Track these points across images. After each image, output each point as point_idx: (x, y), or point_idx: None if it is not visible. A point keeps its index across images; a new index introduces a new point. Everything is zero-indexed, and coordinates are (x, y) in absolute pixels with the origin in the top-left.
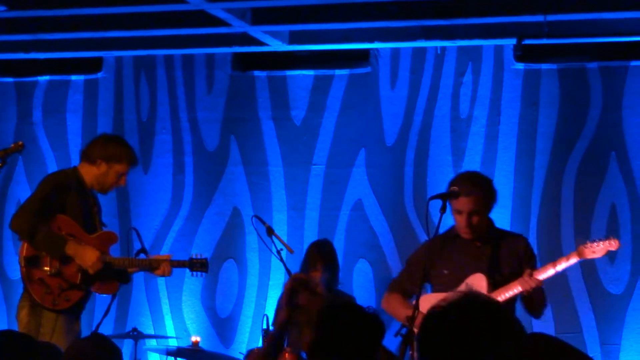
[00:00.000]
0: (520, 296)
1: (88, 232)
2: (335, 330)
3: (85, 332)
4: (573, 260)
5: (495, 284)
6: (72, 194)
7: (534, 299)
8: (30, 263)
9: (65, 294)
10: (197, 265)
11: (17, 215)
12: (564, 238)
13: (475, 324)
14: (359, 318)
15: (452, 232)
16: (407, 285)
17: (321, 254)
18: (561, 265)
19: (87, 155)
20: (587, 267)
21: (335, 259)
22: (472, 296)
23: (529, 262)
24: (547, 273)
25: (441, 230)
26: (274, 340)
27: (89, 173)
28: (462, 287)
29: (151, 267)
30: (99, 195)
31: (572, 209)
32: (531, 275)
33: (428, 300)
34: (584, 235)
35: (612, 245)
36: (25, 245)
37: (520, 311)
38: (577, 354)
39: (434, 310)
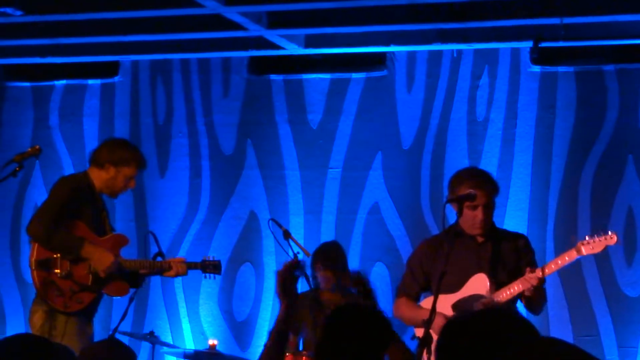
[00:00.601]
0: (521, 294)
1: (99, 235)
2: (342, 332)
3: (102, 335)
4: (572, 256)
5: (498, 283)
6: (85, 199)
7: (534, 298)
8: (41, 266)
9: (77, 296)
10: (210, 267)
11: (34, 220)
12: (580, 239)
13: (497, 336)
14: (364, 319)
15: (452, 231)
16: (412, 288)
17: (321, 254)
18: (560, 263)
19: (95, 160)
20: (604, 269)
21: (338, 259)
22: (494, 309)
23: (527, 258)
24: (547, 271)
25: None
26: (274, 337)
27: (98, 177)
28: (465, 289)
29: (162, 269)
30: (106, 199)
31: (589, 212)
32: (532, 273)
33: (427, 303)
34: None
35: (610, 240)
36: (36, 247)
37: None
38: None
39: (456, 320)
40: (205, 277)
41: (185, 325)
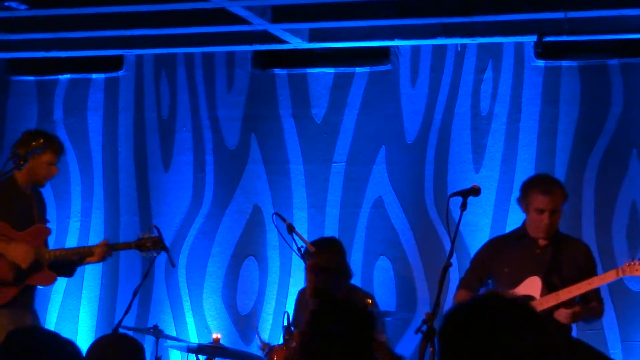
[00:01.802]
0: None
1: (21, 229)
2: (324, 331)
3: (107, 329)
4: (613, 278)
5: (552, 287)
6: (4, 198)
7: (581, 319)
8: None
9: (2, 292)
10: (148, 244)
11: None
12: (585, 234)
13: (495, 322)
14: (346, 316)
15: (517, 233)
16: (472, 282)
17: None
18: (603, 282)
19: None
20: (607, 264)
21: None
22: (494, 295)
23: (585, 267)
24: (586, 289)
25: (462, 228)
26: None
27: (20, 172)
28: (520, 288)
29: (86, 255)
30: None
31: (593, 207)
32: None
33: None
34: (605, 232)
35: None
36: None
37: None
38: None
39: (455, 308)
40: (142, 255)
41: (189, 319)
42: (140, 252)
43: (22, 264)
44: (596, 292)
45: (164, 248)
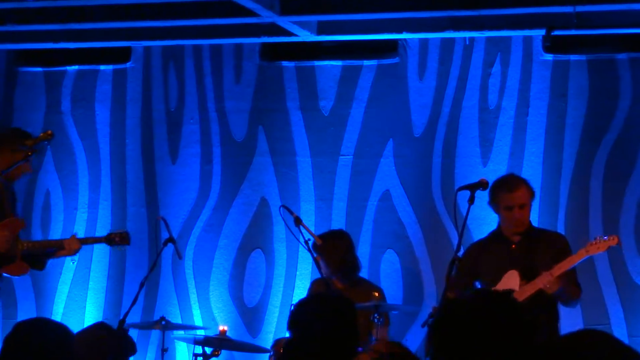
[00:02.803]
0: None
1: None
2: (307, 325)
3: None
4: (583, 257)
5: (529, 278)
6: None
7: (557, 295)
8: None
9: None
10: (117, 239)
11: None
12: (592, 230)
13: (484, 319)
14: (325, 309)
15: (493, 234)
16: (460, 285)
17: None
18: (570, 262)
19: None
20: (615, 258)
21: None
22: (483, 293)
23: (562, 256)
24: (556, 271)
25: (469, 222)
26: None
27: None
28: (500, 285)
29: (58, 248)
30: None
31: (600, 201)
32: (546, 275)
33: None
34: (613, 226)
35: (612, 241)
36: None
37: None
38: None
39: (445, 306)
40: (113, 248)
41: (196, 311)
42: (109, 246)
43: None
44: (572, 277)
45: (171, 240)
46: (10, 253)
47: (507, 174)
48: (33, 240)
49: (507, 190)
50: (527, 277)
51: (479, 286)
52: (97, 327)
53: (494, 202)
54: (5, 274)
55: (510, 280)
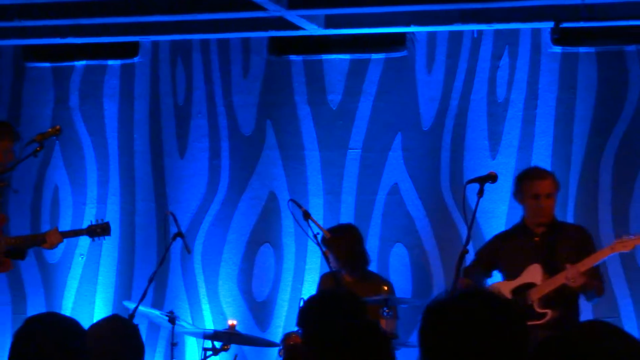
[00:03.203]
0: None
1: None
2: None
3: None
4: (608, 254)
5: (552, 272)
6: None
7: (581, 289)
8: None
9: None
10: (98, 230)
11: None
12: (602, 222)
13: (472, 317)
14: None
15: (516, 226)
16: (476, 273)
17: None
18: (597, 259)
19: None
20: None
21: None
22: (472, 290)
23: (585, 250)
24: (587, 265)
25: (478, 215)
26: None
27: None
28: (522, 277)
29: (40, 242)
30: None
31: (609, 193)
32: (572, 268)
33: (494, 286)
34: (622, 218)
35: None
36: None
37: None
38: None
39: (434, 305)
40: (93, 240)
41: (205, 305)
42: (90, 238)
43: None
44: (596, 272)
45: (180, 234)
46: None
47: (533, 166)
48: (15, 236)
49: (534, 179)
50: (549, 271)
51: (501, 277)
52: (110, 319)
53: (520, 192)
54: None
55: (533, 274)
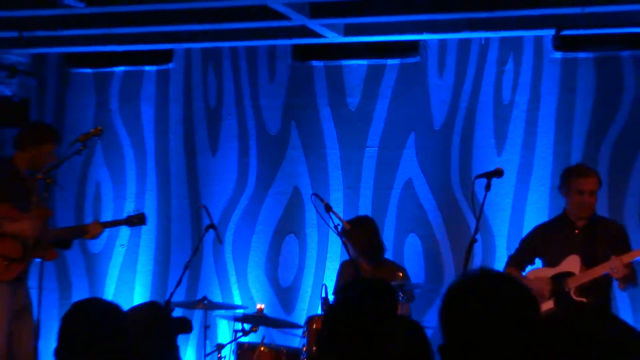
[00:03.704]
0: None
1: (23, 210)
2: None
3: (159, 301)
4: None
5: (589, 263)
6: (7, 182)
7: (621, 279)
8: None
9: (8, 268)
10: (135, 220)
11: None
12: (599, 213)
13: (488, 297)
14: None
15: (559, 218)
16: (521, 261)
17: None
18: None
19: (17, 145)
20: None
21: (365, 232)
22: (487, 272)
23: (620, 244)
24: (626, 258)
25: (486, 207)
26: None
27: (22, 159)
28: (562, 265)
29: (83, 232)
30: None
31: (606, 187)
32: (617, 259)
33: (536, 272)
34: (617, 211)
35: None
36: None
37: None
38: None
39: (454, 284)
40: (131, 229)
41: (235, 291)
42: (129, 227)
43: (30, 240)
44: (633, 266)
45: (212, 226)
46: (40, 240)
47: (579, 163)
48: (60, 227)
49: (582, 176)
50: (586, 262)
51: (542, 264)
52: (149, 305)
53: (565, 186)
54: (37, 259)
55: (571, 264)
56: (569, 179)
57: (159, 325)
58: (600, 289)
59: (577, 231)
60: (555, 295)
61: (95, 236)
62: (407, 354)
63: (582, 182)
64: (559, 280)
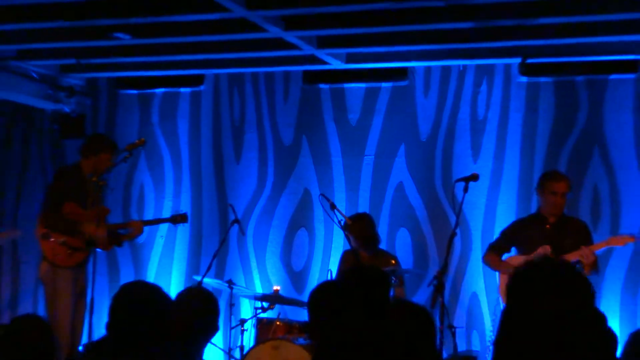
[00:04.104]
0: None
1: (85, 208)
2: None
3: (191, 281)
4: (609, 245)
5: (558, 252)
6: (74, 184)
7: (588, 266)
8: (44, 237)
9: (73, 255)
10: (178, 219)
11: (45, 215)
12: None
13: (553, 279)
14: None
15: (534, 215)
16: (500, 248)
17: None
18: (605, 245)
19: (81, 153)
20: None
21: (364, 227)
22: (551, 259)
23: (584, 238)
24: (596, 248)
25: (464, 206)
26: None
27: (86, 165)
28: (534, 254)
29: (132, 227)
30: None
31: None
32: (586, 248)
33: (513, 258)
34: (574, 208)
35: (631, 239)
36: (39, 225)
37: None
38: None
39: (523, 268)
40: (175, 226)
41: (255, 274)
42: (173, 225)
43: (97, 240)
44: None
45: (237, 221)
46: (99, 234)
47: (553, 170)
48: (114, 223)
49: (556, 180)
50: (555, 252)
51: (516, 252)
52: (200, 290)
53: (541, 187)
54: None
55: (542, 252)
56: (545, 181)
57: (212, 312)
58: None
59: (548, 226)
60: None
61: (141, 232)
62: (412, 335)
63: (555, 185)
64: None
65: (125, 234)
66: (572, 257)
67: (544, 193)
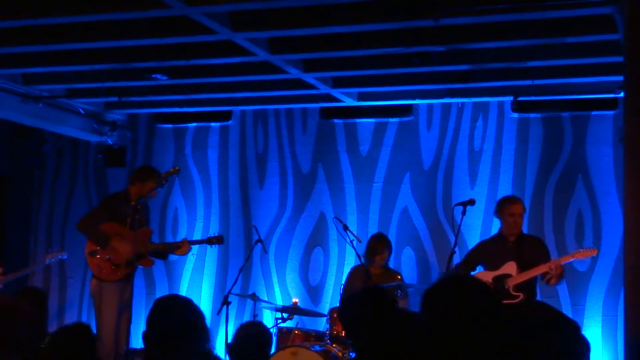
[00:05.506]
0: (541, 275)
1: (133, 230)
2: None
3: (220, 295)
4: (573, 258)
5: (522, 267)
6: (120, 206)
7: (559, 276)
8: (91, 254)
9: (116, 270)
10: (214, 240)
11: (82, 219)
12: (546, 233)
13: (462, 293)
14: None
15: (496, 235)
16: (465, 268)
17: (383, 242)
18: (570, 259)
19: (130, 181)
20: (562, 252)
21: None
22: (461, 276)
23: (543, 254)
24: (563, 261)
25: (462, 227)
26: None
27: (133, 191)
28: (501, 270)
29: (175, 248)
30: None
31: (551, 213)
32: (554, 262)
33: (479, 275)
34: (560, 229)
35: (592, 251)
36: (88, 243)
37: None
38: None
39: (436, 282)
40: (211, 247)
41: (276, 288)
42: (209, 245)
43: (125, 260)
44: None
45: (260, 240)
46: (143, 252)
47: (510, 195)
48: (159, 243)
49: (512, 203)
50: (520, 267)
51: (482, 269)
52: (257, 324)
53: (500, 211)
54: (140, 266)
55: (509, 268)
56: (503, 206)
57: (261, 344)
58: (530, 287)
59: (508, 244)
60: (496, 291)
61: (186, 252)
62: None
63: (513, 207)
64: (500, 280)
65: (174, 250)
66: (539, 270)
67: (503, 215)
